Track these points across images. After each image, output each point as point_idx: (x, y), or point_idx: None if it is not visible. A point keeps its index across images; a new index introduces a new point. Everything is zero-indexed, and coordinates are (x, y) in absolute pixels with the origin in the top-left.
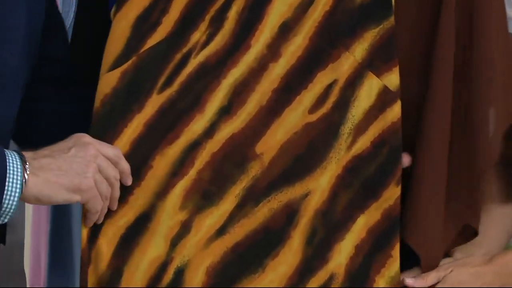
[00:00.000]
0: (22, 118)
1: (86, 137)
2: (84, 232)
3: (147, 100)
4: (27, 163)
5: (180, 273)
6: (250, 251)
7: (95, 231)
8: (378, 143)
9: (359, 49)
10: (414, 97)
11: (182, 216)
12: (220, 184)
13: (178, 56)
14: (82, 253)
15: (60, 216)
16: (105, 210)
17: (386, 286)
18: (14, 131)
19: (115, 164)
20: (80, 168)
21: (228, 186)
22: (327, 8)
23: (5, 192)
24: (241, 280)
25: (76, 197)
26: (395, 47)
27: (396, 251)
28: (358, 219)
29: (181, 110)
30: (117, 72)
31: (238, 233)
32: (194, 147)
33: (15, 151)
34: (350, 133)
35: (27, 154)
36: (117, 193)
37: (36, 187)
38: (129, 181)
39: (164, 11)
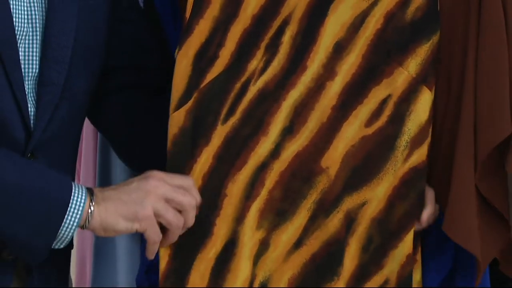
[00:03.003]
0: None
1: (152, 172)
2: (163, 264)
3: (213, 132)
4: (94, 195)
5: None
6: (326, 261)
7: (186, 267)
8: None
9: (413, 65)
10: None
11: (259, 235)
12: (291, 201)
13: (238, 86)
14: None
15: None
16: (174, 238)
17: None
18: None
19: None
20: (138, 198)
21: (299, 201)
22: (378, 26)
23: (64, 221)
24: None
25: (135, 226)
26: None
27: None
28: (413, 229)
29: (245, 136)
30: (183, 111)
31: (313, 244)
32: (262, 169)
33: (87, 187)
34: (406, 146)
35: (96, 189)
36: (191, 221)
37: (100, 216)
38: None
39: (221, 44)
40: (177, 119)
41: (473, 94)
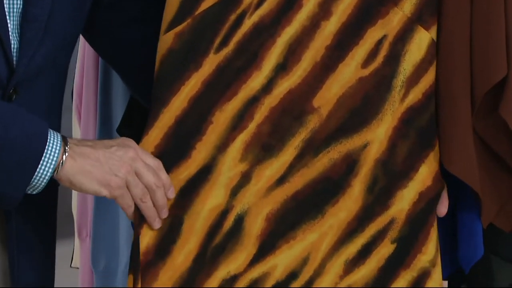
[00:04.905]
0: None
1: (130, 142)
2: None
3: (204, 59)
4: (68, 147)
5: (240, 220)
6: (310, 198)
7: None
8: (429, 94)
9: (408, 4)
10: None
11: (242, 167)
12: (279, 137)
13: (233, 17)
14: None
15: None
16: (151, 213)
17: None
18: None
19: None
20: (115, 166)
21: (287, 138)
22: None
23: (37, 170)
24: (300, 225)
25: (104, 191)
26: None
27: None
28: (421, 168)
29: (238, 68)
30: (172, 34)
31: (298, 182)
32: (253, 102)
33: (62, 135)
34: (402, 85)
35: (72, 140)
36: (160, 200)
37: (72, 170)
38: (170, 194)
39: None
40: (166, 41)
41: (469, 35)
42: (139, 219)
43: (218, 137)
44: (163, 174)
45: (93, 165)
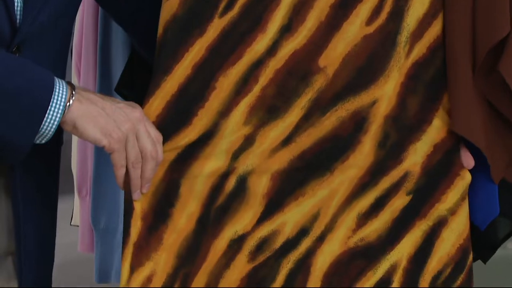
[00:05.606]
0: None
1: (138, 106)
2: None
3: (209, 24)
4: (75, 91)
5: (242, 180)
6: (318, 157)
7: None
8: (434, 48)
9: None
10: None
11: (245, 130)
12: (285, 98)
13: None
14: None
15: None
16: (135, 182)
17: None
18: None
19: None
20: (119, 119)
21: (293, 100)
22: None
23: (46, 116)
24: (308, 182)
25: (104, 141)
26: None
27: None
28: (434, 120)
29: (243, 31)
30: None
31: (305, 141)
32: (257, 65)
33: (68, 81)
34: (407, 41)
35: (80, 87)
36: (148, 172)
37: (78, 112)
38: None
39: None
40: (170, 7)
41: None
42: (128, 188)
43: (221, 102)
44: (160, 148)
45: (99, 113)
